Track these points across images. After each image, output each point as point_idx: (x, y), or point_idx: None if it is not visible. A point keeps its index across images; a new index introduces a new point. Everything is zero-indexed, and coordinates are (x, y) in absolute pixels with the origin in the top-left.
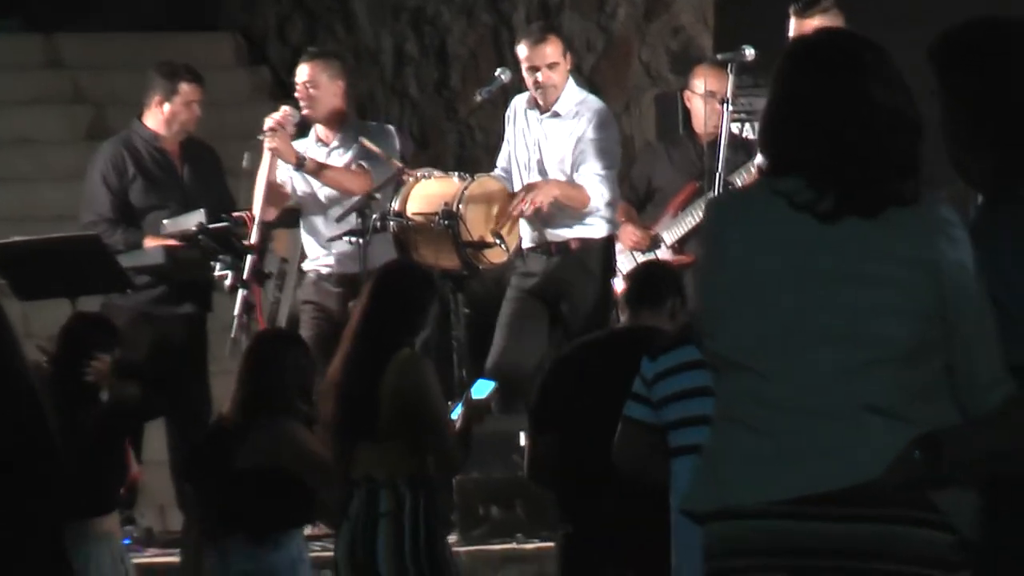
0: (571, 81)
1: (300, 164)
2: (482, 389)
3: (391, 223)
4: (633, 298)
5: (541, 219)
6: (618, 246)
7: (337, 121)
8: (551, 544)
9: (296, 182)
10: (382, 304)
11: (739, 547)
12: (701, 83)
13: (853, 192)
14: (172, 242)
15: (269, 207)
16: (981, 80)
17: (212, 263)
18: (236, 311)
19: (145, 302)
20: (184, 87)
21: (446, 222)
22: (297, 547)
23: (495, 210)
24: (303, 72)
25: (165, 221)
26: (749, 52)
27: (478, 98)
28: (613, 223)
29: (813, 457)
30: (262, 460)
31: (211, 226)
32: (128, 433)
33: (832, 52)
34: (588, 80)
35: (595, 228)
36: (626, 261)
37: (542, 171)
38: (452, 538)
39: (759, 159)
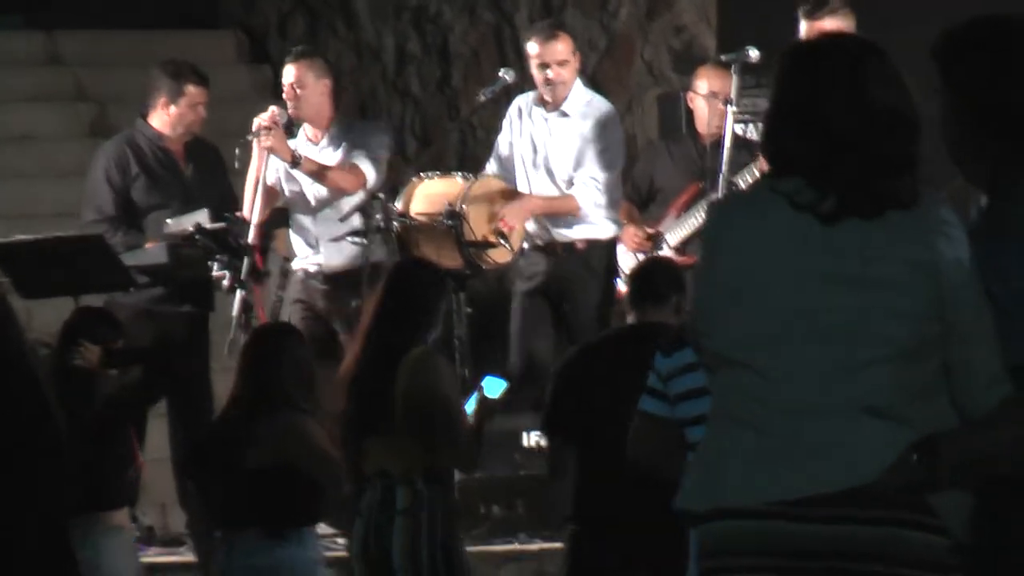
0: (579, 80)
1: (296, 162)
2: (495, 388)
3: (394, 223)
4: (636, 296)
5: (548, 219)
6: (620, 247)
7: (325, 120)
8: (553, 544)
9: (284, 181)
10: (394, 302)
11: (735, 547)
12: (704, 84)
13: (853, 193)
14: (175, 241)
15: (264, 207)
16: (983, 78)
17: (210, 263)
18: (235, 311)
19: (147, 300)
20: (190, 89)
21: (449, 222)
22: (313, 546)
23: (499, 209)
24: (289, 72)
25: (168, 220)
26: (753, 53)
27: (481, 98)
28: (618, 223)
29: (811, 458)
30: (268, 455)
31: (208, 226)
32: (131, 420)
33: (831, 52)
34: (591, 79)
35: (601, 228)
36: (628, 261)
37: (548, 169)
38: None
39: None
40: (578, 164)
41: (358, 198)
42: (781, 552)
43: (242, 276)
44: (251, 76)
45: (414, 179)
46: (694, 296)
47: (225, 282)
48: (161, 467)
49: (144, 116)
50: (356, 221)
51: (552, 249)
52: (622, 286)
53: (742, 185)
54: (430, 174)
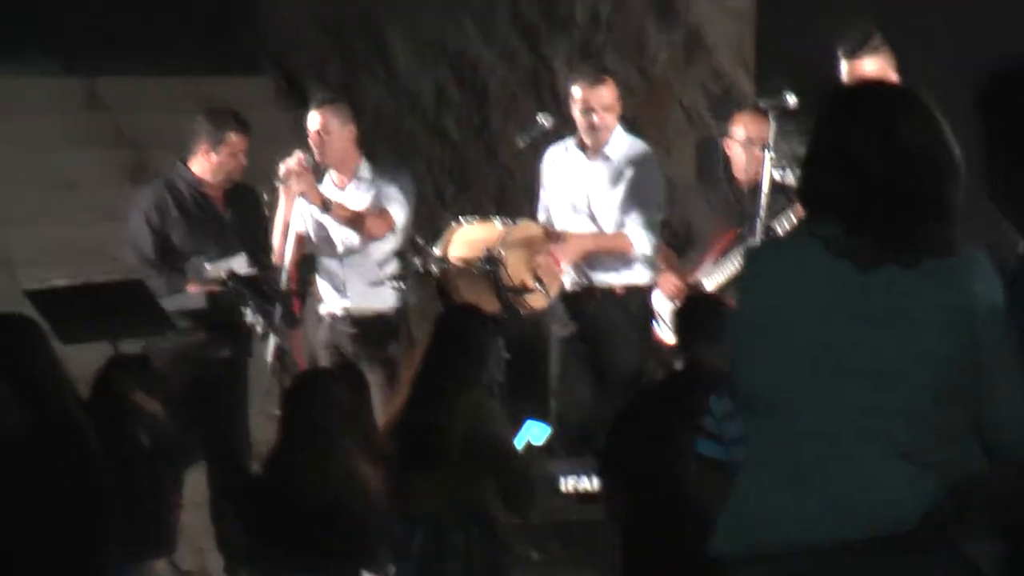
0: (619, 125)
1: (327, 207)
2: (539, 434)
3: (433, 267)
4: (685, 337)
5: (587, 264)
6: (657, 292)
7: (350, 166)
8: None
9: (311, 227)
10: (445, 346)
11: None
12: (741, 130)
13: (889, 238)
14: (213, 287)
15: (295, 251)
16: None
17: (243, 309)
18: (268, 358)
19: (186, 345)
20: (231, 137)
21: (488, 267)
22: None
23: (537, 255)
24: (314, 119)
25: (207, 265)
26: (790, 98)
27: (520, 143)
28: (656, 269)
29: (841, 503)
30: (320, 496)
31: (240, 272)
32: (169, 476)
33: (866, 96)
34: (629, 123)
35: (640, 274)
36: (665, 307)
37: (591, 215)
38: None
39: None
40: (624, 209)
41: (390, 243)
42: None
43: (276, 322)
44: (290, 121)
45: (453, 224)
46: (730, 340)
47: (258, 328)
48: (199, 511)
49: (184, 161)
50: (394, 265)
51: (590, 294)
52: (659, 331)
53: (779, 230)
54: (469, 219)
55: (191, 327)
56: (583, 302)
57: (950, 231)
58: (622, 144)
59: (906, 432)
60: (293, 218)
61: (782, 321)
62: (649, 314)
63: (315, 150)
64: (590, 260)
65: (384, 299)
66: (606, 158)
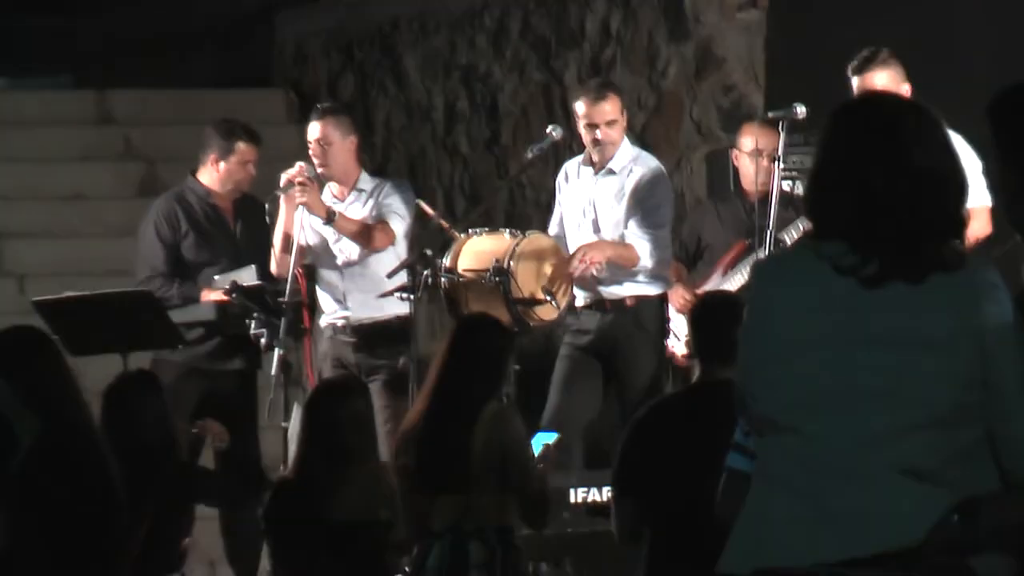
0: (626, 138)
1: (330, 218)
2: (546, 439)
3: (442, 279)
4: (704, 350)
5: (595, 278)
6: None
7: (351, 177)
8: None
9: (310, 238)
10: (463, 358)
11: None
12: (749, 141)
13: (895, 255)
14: (224, 297)
15: (297, 263)
16: None
17: (248, 321)
18: (273, 371)
19: (195, 357)
20: (240, 146)
21: (497, 279)
22: None
23: (546, 267)
24: (315, 129)
25: (216, 277)
26: (800, 110)
27: (529, 155)
28: (667, 281)
29: (850, 521)
30: (350, 510)
31: (244, 284)
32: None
33: (870, 113)
34: (639, 137)
35: (649, 286)
36: (676, 321)
37: (596, 229)
38: None
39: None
40: (627, 221)
41: (389, 255)
42: None
43: (280, 335)
44: (301, 135)
45: (462, 235)
46: (740, 359)
47: (263, 340)
48: (210, 525)
49: (194, 173)
50: (401, 277)
51: (601, 306)
52: (672, 344)
53: (788, 241)
54: (478, 230)
55: (201, 338)
56: (593, 314)
57: (957, 246)
58: (627, 156)
59: (915, 450)
60: (295, 228)
61: (796, 348)
62: (662, 326)
63: (315, 160)
64: (599, 274)
65: (385, 308)
66: (612, 172)
